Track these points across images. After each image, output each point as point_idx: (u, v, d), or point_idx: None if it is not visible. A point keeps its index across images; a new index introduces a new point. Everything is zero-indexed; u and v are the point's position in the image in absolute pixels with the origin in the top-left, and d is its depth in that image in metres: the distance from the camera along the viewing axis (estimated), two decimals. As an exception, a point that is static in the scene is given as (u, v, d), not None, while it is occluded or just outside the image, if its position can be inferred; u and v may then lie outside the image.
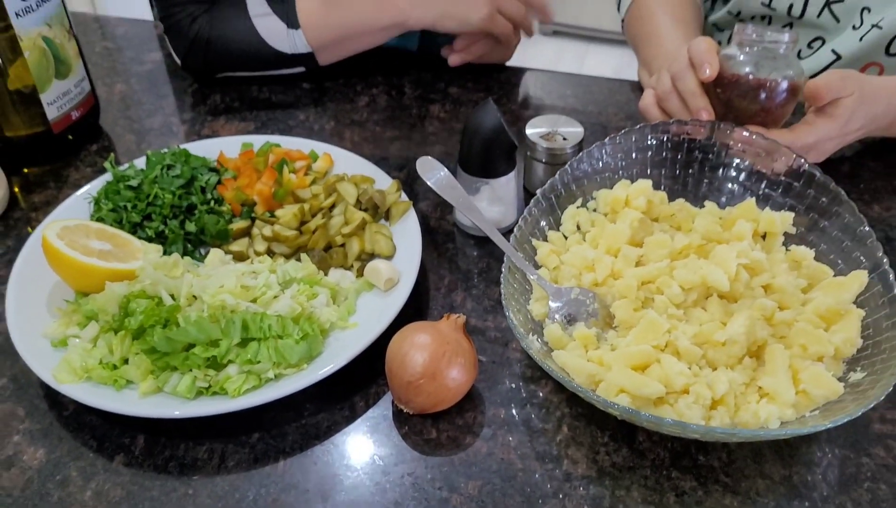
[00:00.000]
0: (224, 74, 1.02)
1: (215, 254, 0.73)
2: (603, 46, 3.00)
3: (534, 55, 2.85)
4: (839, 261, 0.69)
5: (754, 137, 0.74)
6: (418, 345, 0.61)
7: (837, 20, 0.94)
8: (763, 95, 0.74)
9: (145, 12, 1.78)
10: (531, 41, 1.11)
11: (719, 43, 1.03)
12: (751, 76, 0.74)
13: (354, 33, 0.98)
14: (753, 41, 0.75)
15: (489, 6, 0.95)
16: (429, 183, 0.75)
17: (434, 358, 0.60)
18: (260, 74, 1.01)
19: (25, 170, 0.90)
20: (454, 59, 1.02)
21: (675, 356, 0.62)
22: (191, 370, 0.63)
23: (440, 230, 0.83)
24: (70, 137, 0.91)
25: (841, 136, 0.77)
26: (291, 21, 0.96)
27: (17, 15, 0.80)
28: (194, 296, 0.67)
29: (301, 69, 1.00)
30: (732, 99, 0.75)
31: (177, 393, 0.62)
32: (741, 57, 0.75)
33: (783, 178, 0.73)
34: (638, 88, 1.03)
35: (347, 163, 0.84)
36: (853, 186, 0.85)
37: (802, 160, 0.72)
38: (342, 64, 1.05)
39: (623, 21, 1.05)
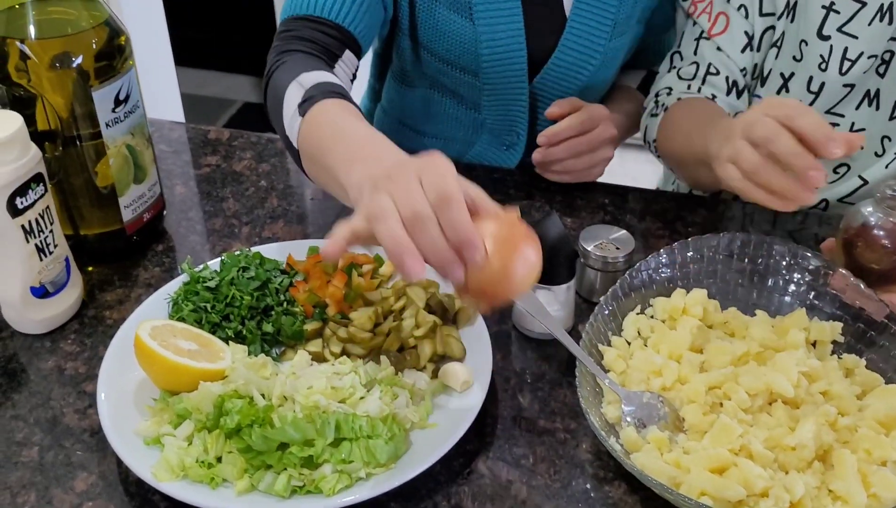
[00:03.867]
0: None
1: (301, 356, 0.76)
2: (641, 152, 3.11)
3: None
4: (888, 370, 0.74)
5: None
6: (484, 231, 0.60)
7: (861, 147, 1.01)
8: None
9: (178, 114, 1.85)
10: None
11: None
12: (892, 234, 0.75)
13: (320, 164, 0.77)
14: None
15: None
16: (501, 290, 0.79)
17: (502, 235, 0.61)
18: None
19: (91, 268, 0.94)
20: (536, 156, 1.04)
21: (749, 459, 0.65)
22: (285, 469, 0.65)
23: (500, 334, 0.86)
24: (136, 237, 0.95)
25: None
26: (303, 108, 0.81)
27: (107, 126, 0.85)
28: (284, 396, 0.70)
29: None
30: (865, 255, 0.77)
31: (273, 492, 0.64)
32: (882, 215, 0.77)
33: (830, 290, 0.79)
34: (672, 197, 1.10)
35: (410, 267, 0.89)
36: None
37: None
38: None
39: (654, 143, 1.09)
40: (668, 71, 1.10)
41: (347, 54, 0.96)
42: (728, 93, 1.05)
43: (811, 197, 0.70)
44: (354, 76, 0.99)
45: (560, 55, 1.06)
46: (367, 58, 1.20)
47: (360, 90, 1.25)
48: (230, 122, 3.26)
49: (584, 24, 1.05)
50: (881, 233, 0.77)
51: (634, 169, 3.04)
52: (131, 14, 1.76)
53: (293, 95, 0.82)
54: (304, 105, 0.80)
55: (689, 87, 1.07)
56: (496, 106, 1.11)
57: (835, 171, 1.05)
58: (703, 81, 1.06)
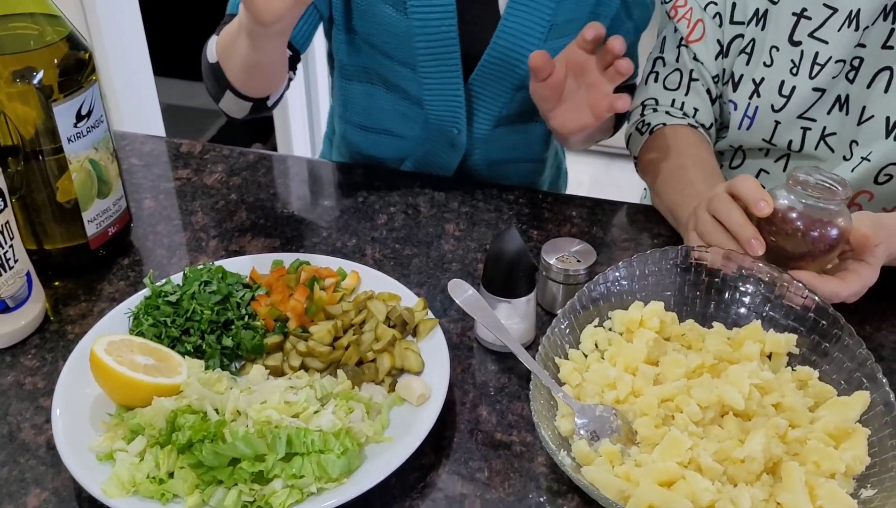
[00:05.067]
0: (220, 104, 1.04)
1: (257, 370, 0.76)
2: (581, 156, 3.13)
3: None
4: (841, 381, 0.74)
5: (783, 276, 0.79)
6: None
7: (832, 150, 1.02)
8: (813, 238, 0.78)
9: (159, 129, 1.85)
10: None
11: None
12: (804, 218, 0.78)
13: (231, 37, 0.94)
14: (809, 186, 0.79)
15: None
16: (459, 303, 0.80)
17: None
18: (224, 102, 1.02)
19: (57, 283, 0.94)
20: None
21: (698, 472, 0.66)
22: (236, 485, 0.65)
23: (461, 346, 0.87)
24: (102, 251, 0.95)
25: (874, 280, 0.82)
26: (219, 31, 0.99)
27: (68, 140, 0.86)
28: (238, 411, 0.70)
29: (236, 100, 1.00)
30: (780, 239, 0.79)
31: (223, 507, 0.64)
32: (794, 199, 0.79)
33: (785, 302, 0.79)
34: (640, 210, 1.10)
35: (373, 280, 0.89)
36: (844, 308, 0.91)
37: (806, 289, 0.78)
38: (360, 184, 1.11)
39: (636, 159, 1.13)
40: (654, 79, 1.12)
41: None
42: (704, 99, 1.08)
43: (756, 254, 0.79)
44: (296, 67, 1.07)
45: (492, 52, 1.07)
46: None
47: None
48: (219, 133, 3.26)
49: (517, 22, 1.05)
50: (793, 216, 0.79)
51: (620, 178, 3.06)
52: (109, 26, 1.76)
53: (212, 39, 0.99)
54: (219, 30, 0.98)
55: (673, 101, 1.09)
56: (437, 101, 1.11)
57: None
58: (688, 91, 1.08)
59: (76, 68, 0.85)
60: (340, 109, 1.22)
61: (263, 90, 1.00)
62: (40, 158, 0.86)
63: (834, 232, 0.78)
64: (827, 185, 0.79)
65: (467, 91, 1.11)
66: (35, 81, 0.82)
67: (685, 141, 1.06)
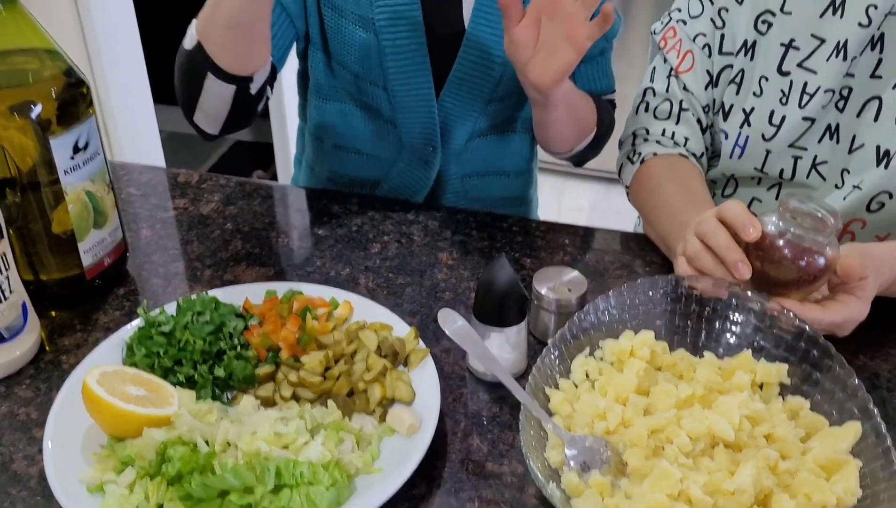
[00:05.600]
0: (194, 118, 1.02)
1: (248, 401, 0.77)
2: (580, 182, 3.15)
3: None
4: (833, 412, 0.74)
5: (771, 305, 0.80)
6: None
7: (824, 179, 1.03)
8: (800, 266, 0.78)
9: (159, 157, 1.86)
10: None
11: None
12: (792, 245, 0.78)
13: (212, 3, 0.93)
14: (800, 214, 0.79)
15: None
16: (448, 333, 0.80)
17: None
18: (204, 102, 0.99)
19: (53, 313, 0.94)
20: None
21: (688, 505, 0.65)
22: (225, 517, 0.65)
23: (454, 375, 0.87)
24: (98, 281, 0.96)
25: (864, 314, 0.81)
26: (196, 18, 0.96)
27: (65, 172, 0.87)
28: (228, 442, 0.70)
29: (218, 81, 0.96)
30: (766, 266, 0.79)
31: (212, 540, 0.64)
32: (784, 226, 0.79)
33: (776, 332, 0.80)
34: (633, 238, 1.11)
35: (366, 310, 0.90)
36: (838, 338, 0.91)
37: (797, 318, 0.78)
38: (355, 213, 1.12)
39: (627, 188, 1.14)
40: (644, 109, 1.13)
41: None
42: (695, 129, 1.10)
43: (743, 277, 0.79)
44: (273, 82, 1.06)
45: (461, 66, 1.09)
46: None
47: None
48: (220, 161, 3.29)
49: (482, 34, 1.07)
50: (781, 243, 0.78)
51: (619, 203, 3.08)
52: (110, 55, 1.78)
53: (189, 30, 0.97)
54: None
55: (664, 131, 1.11)
56: (410, 119, 1.13)
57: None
58: (678, 120, 1.10)
59: (73, 102, 0.86)
60: (314, 128, 1.23)
61: (247, 62, 0.96)
62: (37, 189, 0.87)
63: (821, 261, 0.78)
64: (819, 215, 0.78)
65: (440, 107, 1.13)
66: (33, 115, 0.83)
67: (676, 170, 1.07)
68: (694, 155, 1.10)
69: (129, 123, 1.90)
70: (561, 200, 3.06)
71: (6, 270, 0.83)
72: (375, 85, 1.11)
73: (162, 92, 2.30)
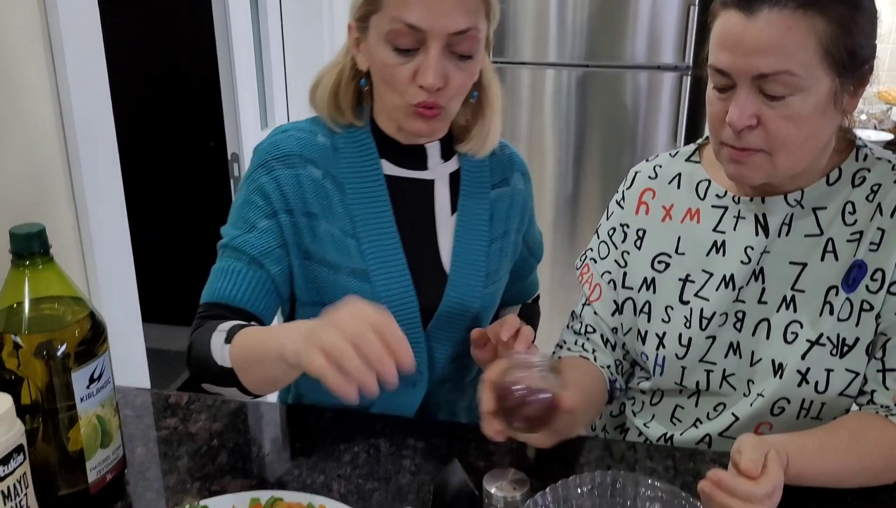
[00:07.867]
0: (204, 384, 1.19)
1: None
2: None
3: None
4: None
5: None
6: None
7: (734, 388, 1.22)
8: (529, 402, 1.01)
9: (143, 373, 1.99)
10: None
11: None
12: (517, 387, 1.01)
13: (255, 358, 1.08)
14: (520, 363, 1.04)
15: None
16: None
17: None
18: (219, 389, 1.16)
19: (54, 527, 1.05)
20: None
21: None
22: None
23: (416, 571, 0.98)
24: (100, 496, 1.08)
25: (781, 483, 0.96)
26: (229, 339, 1.12)
27: (81, 400, 1.02)
28: None
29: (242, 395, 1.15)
30: (507, 406, 1.03)
31: None
32: (512, 373, 1.03)
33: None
34: (574, 440, 1.26)
35: (339, 513, 1.02)
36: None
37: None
38: (328, 427, 1.27)
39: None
40: (567, 326, 1.39)
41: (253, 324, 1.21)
42: (605, 346, 1.34)
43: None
44: None
45: (446, 304, 1.31)
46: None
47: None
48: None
49: (461, 277, 1.31)
50: (506, 391, 1.02)
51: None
52: (107, 284, 1.97)
53: (217, 338, 1.13)
54: (228, 336, 1.11)
55: (577, 342, 1.35)
56: None
57: (714, 408, 1.24)
58: (587, 338, 1.35)
59: (93, 341, 1.03)
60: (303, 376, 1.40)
61: (271, 391, 1.19)
62: (55, 415, 1.01)
63: (542, 396, 1.01)
64: (534, 361, 1.04)
65: (426, 338, 1.32)
66: (59, 354, 1.00)
67: (572, 365, 1.30)
68: (602, 365, 1.33)
69: (120, 344, 2.05)
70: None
71: (24, 489, 0.95)
72: None
73: (144, 310, 2.48)
